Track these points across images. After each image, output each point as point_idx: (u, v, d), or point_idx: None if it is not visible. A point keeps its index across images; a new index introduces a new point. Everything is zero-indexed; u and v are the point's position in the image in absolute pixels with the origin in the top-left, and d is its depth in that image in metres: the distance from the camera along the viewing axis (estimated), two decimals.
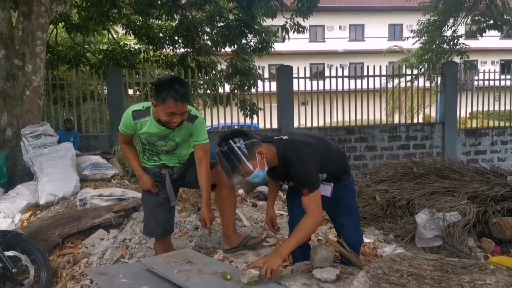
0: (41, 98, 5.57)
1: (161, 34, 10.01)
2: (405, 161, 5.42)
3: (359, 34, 24.54)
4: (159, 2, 8.85)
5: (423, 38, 11.60)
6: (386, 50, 18.03)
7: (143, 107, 2.30)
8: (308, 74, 8.72)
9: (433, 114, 10.06)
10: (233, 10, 9.52)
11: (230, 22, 9.41)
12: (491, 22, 9.97)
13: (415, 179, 4.58)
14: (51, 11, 5.53)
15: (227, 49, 9.69)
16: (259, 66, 9.16)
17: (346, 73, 8.90)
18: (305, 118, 8.94)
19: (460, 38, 11.06)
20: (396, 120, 9.44)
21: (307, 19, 8.53)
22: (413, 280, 1.46)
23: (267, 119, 8.64)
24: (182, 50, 10.21)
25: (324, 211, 2.17)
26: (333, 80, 8.73)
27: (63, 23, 9.00)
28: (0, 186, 4.85)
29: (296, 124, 8.81)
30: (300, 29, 8.67)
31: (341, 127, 8.89)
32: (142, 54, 10.33)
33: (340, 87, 8.72)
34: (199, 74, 8.51)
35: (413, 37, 11.84)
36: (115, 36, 10.87)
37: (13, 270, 2.66)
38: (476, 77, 9.80)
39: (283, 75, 8.59)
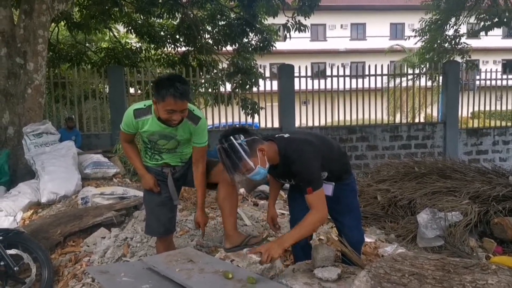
0: (42, 96, 5.58)
1: (162, 33, 10.01)
2: (406, 161, 5.42)
3: (360, 33, 24.47)
4: (160, 1, 8.84)
5: (425, 37, 11.58)
6: (387, 49, 17.98)
7: (144, 105, 2.30)
8: (309, 73, 8.73)
9: (435, 113, 10.04)
10: (234, 8, 9.52)
11: (231, 20, 9.41)
12: (496, 20, 9.91)
13: (416, 178, 4.58)
14: (53, 9, 5.52)
15: (229, 47, 9.69)
16: (260, 65, 9.16)
17: (347, 72, 8.90)
18: (307, 117, 8.94)
19: (462, 37, 11.04)
20: (397, 120, 9.42)
21: (309, 18, 8.50)
22: (415, 280, 1.46)
23: (268, 118, 8.64)
24: (183, 48, 10.21)
25: None
26: (335, 79, 8.72)
27: (64, 21, 9.01)
28: (1, 184, 4.85)
29: (297, 123, 8.81)
30: (302, 28, 8.64)
31: (342, 127, 8.87)
32: (144, 52, 10.31)
33: (341, 86, 8.71)
34: (201, 73, 8.50)
35: (415, 36, 11.82)
36: (116, 34, 10.88)
37: (15, 269, 2.67)
38: (478, 77, 9.76)
39: (285, 74, 8.58)
